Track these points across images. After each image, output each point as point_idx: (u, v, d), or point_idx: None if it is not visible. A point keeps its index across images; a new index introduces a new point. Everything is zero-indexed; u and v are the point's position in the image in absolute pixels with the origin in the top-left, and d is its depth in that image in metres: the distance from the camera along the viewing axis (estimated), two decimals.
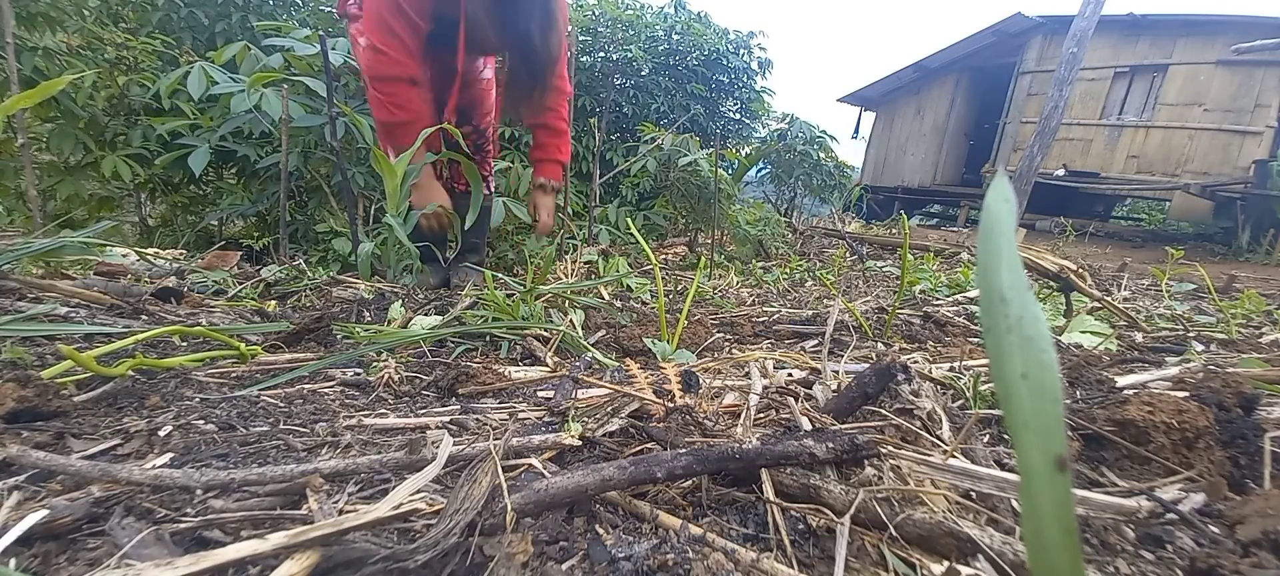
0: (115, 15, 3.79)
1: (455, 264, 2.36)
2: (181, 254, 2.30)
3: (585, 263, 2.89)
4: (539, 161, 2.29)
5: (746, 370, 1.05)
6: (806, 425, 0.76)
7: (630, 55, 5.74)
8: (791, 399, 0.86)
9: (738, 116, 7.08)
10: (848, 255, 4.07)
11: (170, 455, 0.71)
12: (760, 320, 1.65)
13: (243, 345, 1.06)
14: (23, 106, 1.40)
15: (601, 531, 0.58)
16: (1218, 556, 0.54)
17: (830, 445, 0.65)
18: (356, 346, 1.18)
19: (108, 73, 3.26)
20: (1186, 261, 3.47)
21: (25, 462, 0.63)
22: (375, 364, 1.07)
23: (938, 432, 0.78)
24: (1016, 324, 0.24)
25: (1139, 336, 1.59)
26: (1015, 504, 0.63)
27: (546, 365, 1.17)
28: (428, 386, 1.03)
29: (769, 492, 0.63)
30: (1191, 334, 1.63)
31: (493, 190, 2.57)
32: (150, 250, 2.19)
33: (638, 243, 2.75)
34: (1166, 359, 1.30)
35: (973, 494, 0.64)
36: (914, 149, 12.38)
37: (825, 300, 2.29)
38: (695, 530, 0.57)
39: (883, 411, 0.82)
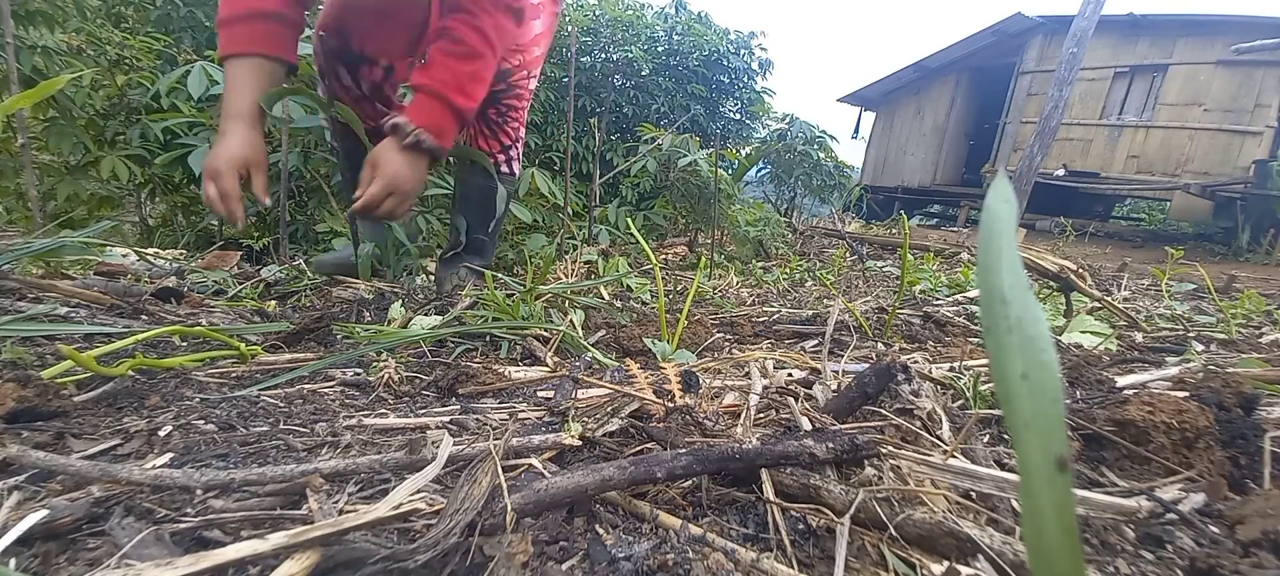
0: (117, 15, 3.79)
1: (452, 262, 2.02)
2: (181, 254, 2.30)
3: (585, 262, 2.89)
4: (413, 88, 1.51)
5: (746, 370, 1.05)
6: (806, 425, 0.76)
7: (630, 55, 5.75)
8: (791, 399, 0.86)
9: (738, 117, 7.09)
10: (848, 255, 4.07)
11: (170, 455, 0.71)
12: (760, 320, 1.65)
13: (243, 345, 1.06)
14: (22, 106, 1.40)
15: (601, 531, 0.58)
16: (1218, 556, 0.54)
17: (830, 445, 0.65)
18: (356, 346, 1.18)
19: (107, 72, 3.26)
20: (1186, 261, 3.46)
21: (25, 462, 0.62)
22: (375, 364, 1.07)
23: (938, 432, 0.78)
24: (1016, 324, 0.24)
25: (1139, 336, 1.59)
26: (1015, 504, 0.63)
27: (546, 365, 1.16)
28: (428, 386, 1.03)
29: (769, 492, 0.63)
30: (1191, 334, 1.63)
31: (516, 172, 2.01)
32: (150, 250, 2.19)
33: (638, 243, 2.75)
34: (1166, 359, 1.30)
35: (973, 494, 0.64)
36: (914, 149, 12.39)
37: (825, 300, 2.29)
38: (695, 530, 0.57)
39: (883, 411, 0.82)
